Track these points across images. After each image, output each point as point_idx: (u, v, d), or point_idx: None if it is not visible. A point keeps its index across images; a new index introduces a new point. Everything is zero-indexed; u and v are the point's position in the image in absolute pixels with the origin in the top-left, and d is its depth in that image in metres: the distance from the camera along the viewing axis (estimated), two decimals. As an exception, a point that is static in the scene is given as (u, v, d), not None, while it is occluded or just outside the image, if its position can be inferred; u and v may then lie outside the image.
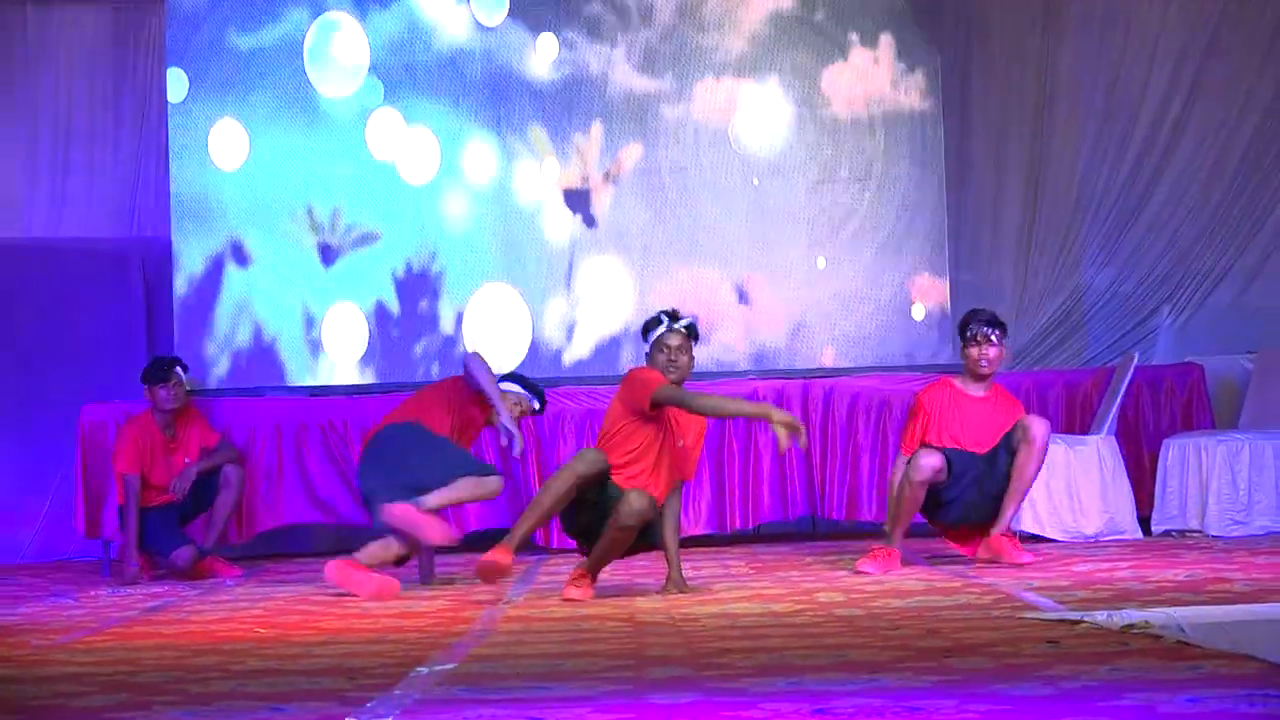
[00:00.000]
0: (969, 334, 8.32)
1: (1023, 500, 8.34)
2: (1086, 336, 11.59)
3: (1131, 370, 9.62)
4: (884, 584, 7.35)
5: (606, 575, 7.75)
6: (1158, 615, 5.46)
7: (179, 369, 9.48)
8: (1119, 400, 9.58)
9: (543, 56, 11.11)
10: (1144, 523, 9.52)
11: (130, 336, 11.26)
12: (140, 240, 11.40)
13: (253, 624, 6.72)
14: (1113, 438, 9.55)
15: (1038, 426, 8.17)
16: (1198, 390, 10.21)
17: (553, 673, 4.88)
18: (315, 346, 10.83)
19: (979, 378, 8.33)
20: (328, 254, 10.88)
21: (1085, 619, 5.56)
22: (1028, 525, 9.23)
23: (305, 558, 10.01)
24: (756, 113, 11.23)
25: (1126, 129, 11.59)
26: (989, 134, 11.79)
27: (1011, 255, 11.68)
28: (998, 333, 8.30)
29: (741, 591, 7.28)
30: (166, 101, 10.92)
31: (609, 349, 11.05)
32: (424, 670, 5.05)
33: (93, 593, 8.56)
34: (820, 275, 11.16)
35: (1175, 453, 9.56)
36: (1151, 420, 10.16)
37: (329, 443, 10.05)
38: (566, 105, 11.14)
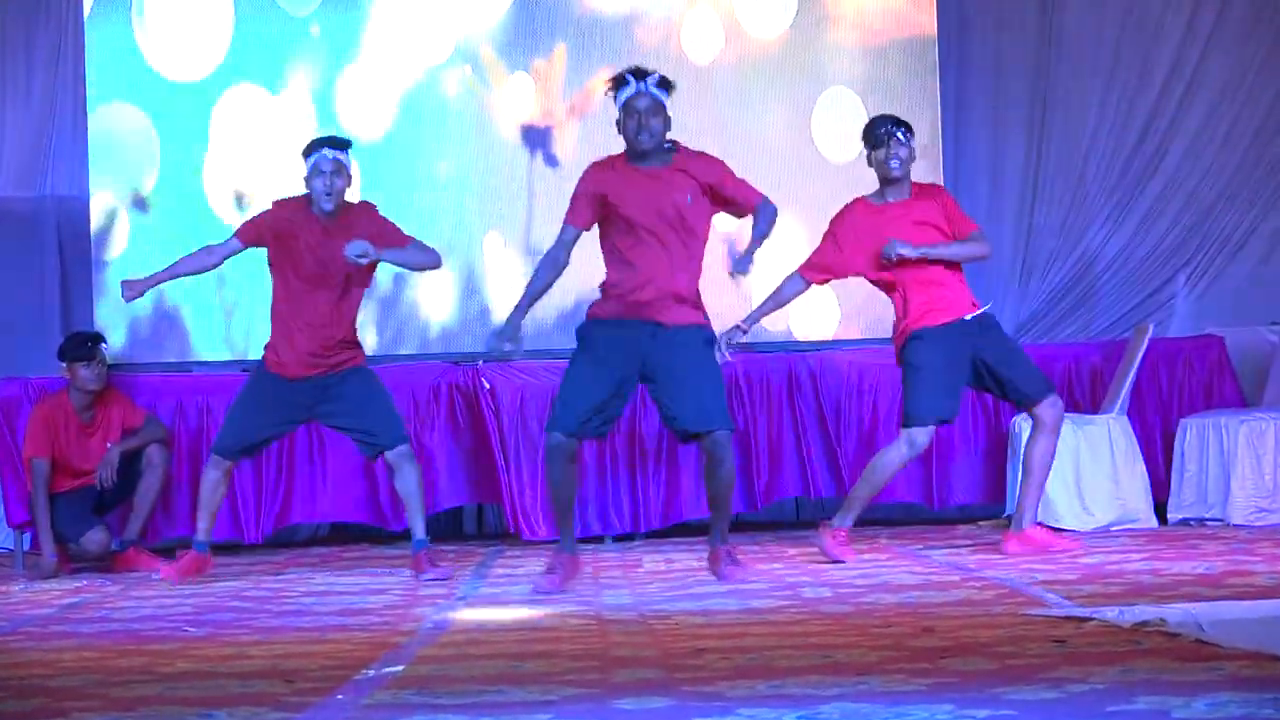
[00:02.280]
0: (877, 136, 8.28)
1: (1042, 489, 8.40)
2: (1096, 306, 11.61)
3: (1146, 343, 9.63)
4: (875, 578, 7.36)
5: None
6: (1174, 612, 5.48)
7: (103, 345, 9.42)
8: (1132, 376, 9.59)
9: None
10: (1160, 510, 9.55)
11: (44, 307, 11.22)
12: (55, 199, 11.35)
13: (181, 622, 6.71)
14: (1125, 417, 9.57)
15: (1050, 412, 8.23)
16: (1219, 365, 10.20)
17: (510, 675, 4.88)
18: (229, 312, 10.72)
19: (892, 182, 8.32)
20: (243, 203, 10.78)
21: (1095, 616, 5.58)
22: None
23: (236, 551, 9.98)
24: (749, 35, 11.00)
25: (1140, 80, 11.58)
26: (986, 80, 11.75)
27: (1013, 217, 11.66)
28: (904, 131, 8.27)
29: (718, 586, 7.28)
30: (83, 46, 10.86)
31: (575, 315, 10.79)
32: (370, 673, 5.05)
33: (3, 589, 8.54)
34: (815, 231, 10.88)
35: (1194, 433, 9.58)
36: (1168, 398, 10.17)
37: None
38: (524, 24, 10.92)
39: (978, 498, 10.07)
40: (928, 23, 11.10)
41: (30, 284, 11.26)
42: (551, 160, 10.89)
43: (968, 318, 8.18)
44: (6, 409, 9.81)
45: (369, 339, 10.66)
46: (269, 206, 8.53)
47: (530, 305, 7.62)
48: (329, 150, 8.29)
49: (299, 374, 8.36)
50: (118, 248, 10.76)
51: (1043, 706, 4.03)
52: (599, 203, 7.49)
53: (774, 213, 7.59)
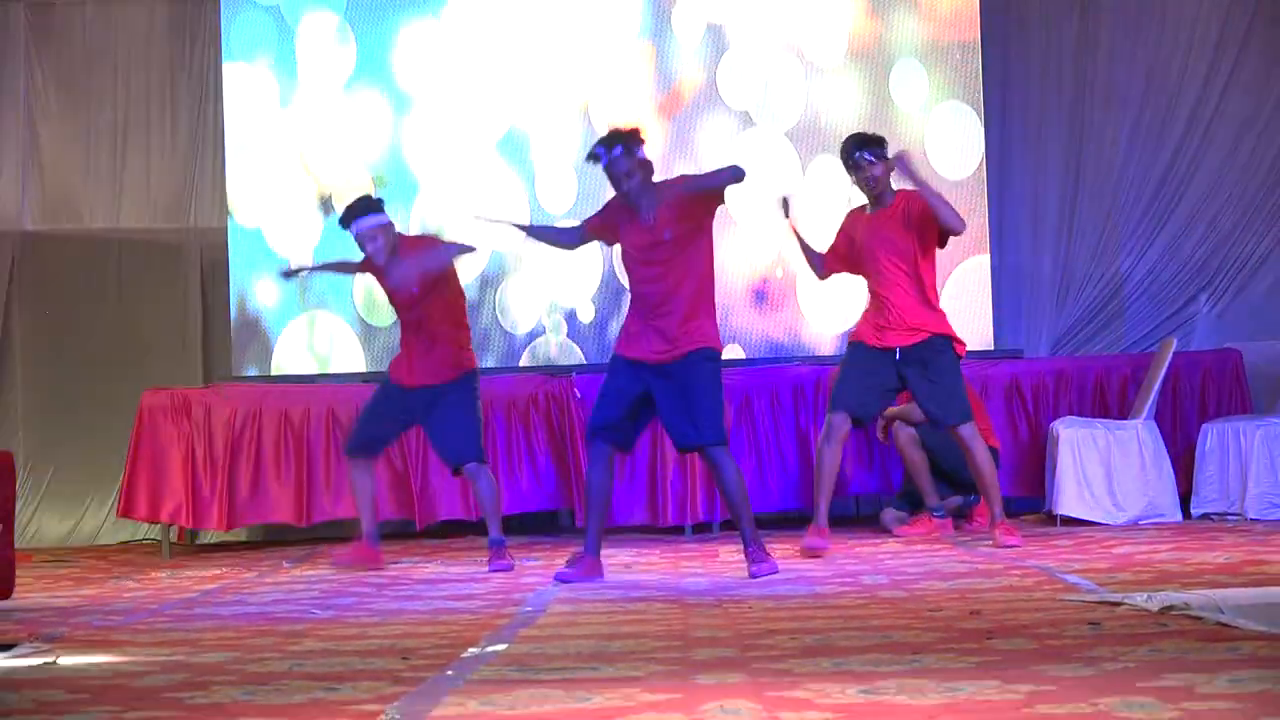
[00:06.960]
0: (851, 163, 8.23)
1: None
2: (1126, 323, 11.54)
3: (1170, 356, 9.57)
4: (927, 566, 7.33)
5: (655, 560, 7.77)
6: (1197, 597, 5.44)
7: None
8: (1158, 385, 9.53)
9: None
10: (1184, 505, 9.48)
11: (187, 328, 11.31)
12: (197, 230, 11.43)
13: (308, 605, 6.74)
14: (1152, 422, 9.50)
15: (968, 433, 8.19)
16: (1236, 375, 10.16)
17: (602, 653, 4.89)
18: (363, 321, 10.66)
19: (874, 199, 8.29)
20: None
21: (1125, 601, 5.55)
22: (1068, 509, 9.22)
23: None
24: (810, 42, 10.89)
25: (1165, 117, 11.52)
26: (1029, 118, 11.68)
27: (1051, 243, 11.60)
28: (876, 151, 8.20)
29: (786, 574, 7.27)
30: (222, 91, 10.95)
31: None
32: (476, 651, 5.07)
33: (153, 574, 8.60)
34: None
35: (1214, 437, 9.52)
36: (1190, 405, 10.10)
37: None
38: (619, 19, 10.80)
39: (1019, 493, 10.00)
40: (974, 77, 11.01)
41: (175, 307, 11.35)
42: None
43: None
44: (152, 413, 9.86)
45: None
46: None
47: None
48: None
49: None
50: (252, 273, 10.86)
51: (1079, 683, 4.01)
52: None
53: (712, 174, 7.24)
